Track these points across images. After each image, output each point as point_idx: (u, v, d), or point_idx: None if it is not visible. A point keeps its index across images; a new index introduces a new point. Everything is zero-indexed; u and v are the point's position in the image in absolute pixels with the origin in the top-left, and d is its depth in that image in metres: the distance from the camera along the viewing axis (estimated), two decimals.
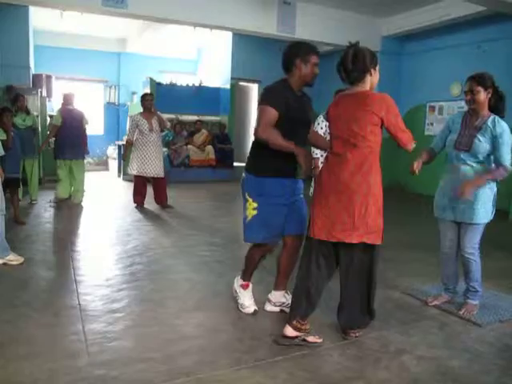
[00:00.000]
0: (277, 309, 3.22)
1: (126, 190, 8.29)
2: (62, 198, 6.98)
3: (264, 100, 2.78)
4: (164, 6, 7.36)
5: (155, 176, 6.82)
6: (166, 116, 10.26)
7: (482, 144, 3.09)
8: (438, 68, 8.81)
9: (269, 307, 3.24)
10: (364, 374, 2.45)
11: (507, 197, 7.17)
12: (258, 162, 2.91)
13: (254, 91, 12.04)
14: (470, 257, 3.22)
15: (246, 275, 3.20)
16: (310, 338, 2.74)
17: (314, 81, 2.89)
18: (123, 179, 10.15)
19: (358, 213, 2.56)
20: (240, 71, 11.38)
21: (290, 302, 3.03)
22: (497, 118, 3.13)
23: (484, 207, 3.14)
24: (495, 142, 3.07)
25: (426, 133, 9.21)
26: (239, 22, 8.14)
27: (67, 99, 6.96)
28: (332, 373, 2.44)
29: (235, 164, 11.18)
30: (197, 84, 11.85)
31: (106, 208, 7.00)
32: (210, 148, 10.68)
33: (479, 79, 3.11)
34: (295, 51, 2.84)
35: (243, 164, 11.97)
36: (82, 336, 2.76)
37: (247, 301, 3.17)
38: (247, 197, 2.94)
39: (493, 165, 3.14)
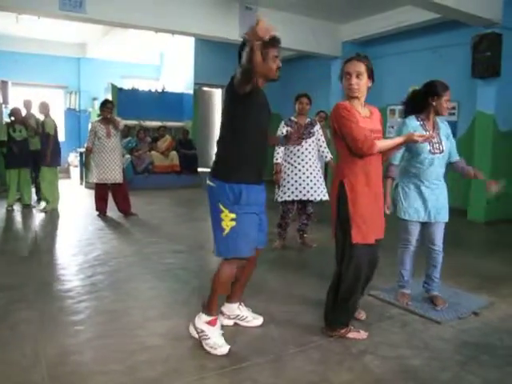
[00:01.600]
0: (231, 322, 3.06)
1: (89, 198, 8.10)
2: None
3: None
4: (124, 10, 7.24)
5: (114, 182, 6.71)
6: (128, 122, 10.20)
7: (448, 143, 3.38)
8: (397, 72, 9.02)
9: (222, 320, 2.98)
10: (327, 377, 2.46)
11: (465, 196, 7.42)
12: (229, 166, 2.65)
13: (217, 96, 12.03)
14: (440, 250, 3.48)
15: (213, 308, 2.75)
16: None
17: (277, 75, 2.67)
18: (85, 187, 9.94)
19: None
20: (203, 76, 11.36)
21: (243, 314, 3.02)
22: (441, 119, 3.48)
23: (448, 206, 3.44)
24: (449, 140, 3.41)
25: (387, 135, 9.42)
26: (201, 27, 8.11)
27: (26, 106, 6.93)
28: (296, 377, 2.45)
29: (199, 169, 11.14)
30: (159, 89, 11.75)
31: (67, 217, 6.84)
32: (173, 154, 10.60)
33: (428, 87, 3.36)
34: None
35: (208, 169, 11.95)
36: (39, 350, 2.67)
37: (219, 339, 2.69)
38: (221, 207, 2.62)
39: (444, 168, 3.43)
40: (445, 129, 3.43)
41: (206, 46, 10.95)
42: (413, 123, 3.33)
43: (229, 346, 2.67)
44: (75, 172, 11.36)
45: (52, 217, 6.80)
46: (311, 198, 4.92)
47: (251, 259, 2.89)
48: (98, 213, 6.86)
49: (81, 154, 10.48)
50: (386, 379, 2.46)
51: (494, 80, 6.96)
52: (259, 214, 2.77)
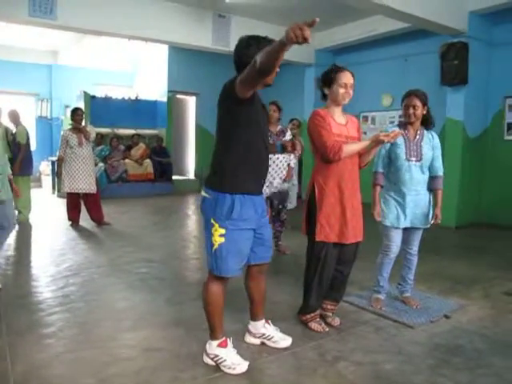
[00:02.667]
0: (257, 341, 2.91)
1: (61, 207, 7.95)
2: None
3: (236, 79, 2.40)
4: (96, 17, 7.17)
5: (86, 192, 6.61)
6: (101, 130, 10.09)
7: (429, 153, 3.42)
8: (369, 80, 9.17)
9: (248, 338, 2.93)
10: None
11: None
12: (226, 177, 2.49)
13: (191, 104, 12.01)
14: (415, 253, 3.60)
15: (218, 330, 2.63)
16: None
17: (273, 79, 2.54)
18: (58, 196, 9.75)
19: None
20: (177, 84, 11.34)
21: (270, 333, 2.89)
22: (431, 131, 3.51)
23: (430, 214, 3.51)
24: (434, 153, 3.45)
25: None
26: (174, 34, 8.10)
27: None
28: None
29: (174, 177, 11.09)
30: (133, 97, 11.66)
31: (38, 227, 6.69)
32: (148, 162, 10.52)
33: (420, 96, 3.36)
34: (254, 51, 2.34)
35: (182, 177, 11.95)
36: (7, 367, 2.59)
37: (235, 358, 2.60)
38: (212, 221, 2.50)
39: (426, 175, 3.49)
40: (431, 140, 3.46)
41: (180, 54, 10.94)
42: (393, 130, 3.41)
43: (247, 362, 2.59)
44: (47, 181, 11.15)
45: (24, 227, 6.64)
46: (286, 206, 5.01)
47: (257, 277, 2.80)
48: (70, 223, 6.74)
49: (52, 162, 10.29)
50: None
51: (461, 87, 7.15)
52: (256, 228, 2.61)
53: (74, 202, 6.71)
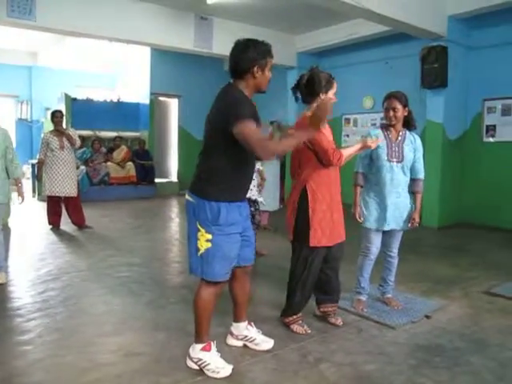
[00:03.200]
0: (240, 343, 2.91)
1: (41, 211, 7.83)
2: None
3: (236, 120, 2.29)
4: (76, 18, 7.08)
5: (67, 195, 6.52)
6: (82, 133, 9.98)
7: (410, 154, 3.43)
8: (351, 82, 9.23)
9: (230, 341, 2.93)
10: None
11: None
12: (212, 184, 2.46)
13: (173, 106, 11.96)
14: (396, 255, 3.63)
15: (203, 334, 2.61)
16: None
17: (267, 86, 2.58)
18: (38, 200, 9.61)
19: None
20: (159, 86, 11.28)
21: (252, 335, 2.88)
22: (413, 133, 3.53)
23: (408, 217, 3.52)
24: (415, 155, 3.47)
25: (343, 144, 9.61)
26: (156, 36, 8.05)
27: None
28: None
29: (156, 180, 11.02)
30: (115, 99, 11.56)
31: (18, 231, 6.56)
32: (130, 165, 10.43)
33: (400, 98, 3.38)
34: (252, 56, 2.42)
35: (165, 180, 11.84)
36: None
37: (219, 362, 2.58)
38: (198, 226, 2.48)
39: (407, 177, 3.51)
40: (413, 141, 3.48)
41: (163, 56, 10.88)
42: (376, 132, 3.45)
43: (231, 366, 2.57)
44: (27, 184, 10.96)
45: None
46: (262, 208, 5.07)
47: (240, 278, 2.78)
48: (50, 226, 6.65)
49: (33, 165, 10.14)
50: None
51: (441, 90, 7.24)
52: (242, 231, 2.60)
53: (54, 206, 6.62)
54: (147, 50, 11.04)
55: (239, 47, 2.47)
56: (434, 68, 7.06)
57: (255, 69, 2.45)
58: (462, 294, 4.09)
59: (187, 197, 2.57)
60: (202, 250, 2.48)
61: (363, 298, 3.64)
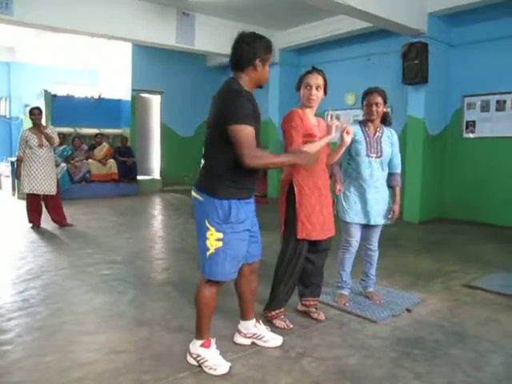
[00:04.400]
0: (248, 341, 2.87)
1: (21, 209, 7.72)
2: None
3: (234, 119, 2.31)
4: (56, 13, 6.98)
5: (46, 193, 6.44)
6: (63, 130, 9.85)
7: (389, 150, 3.48)
8: (333, 79, 9.13)
9: (238, 339, 2.90)
10: (266, 381, 2.46)
11: (401, 199, 7.71)
12: (222, 182, 2.42)
13: (156, 103, 11.87)
14: (376, 249, 3.67)
15: (204, 331, 2.59)
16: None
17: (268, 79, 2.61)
18: (18, 198, 9.45)
19: None
20: (141, 82, 11.18)
21: (261, 332, 2.86)
22: (390, 128, 3.58)
23: (387, 211, 3.56)
24: (393, 150, 3.52)
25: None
26: (138, 32, 7.98)
27: None
28: None
29: (139, 178, 10.95)
30: (96, 96, 11.42)
31: None
32: (112, 162, 10.33)
33: (382, 93, 3.43)
34: (255, 48, 2.43)
35: (147, 177, 11.76)
36: None
37: (218, 359, 2.56)
38: (207, 225, 2.43)
39: (385, 172, 3.55)
40: (390, 137, 3.54)
41: (144, 52, 10.79)
42: (354, 127, 3.47)
43: (229, 364, 2.56)
44: (7, 182, 10.80)
45: None
46: None
47: (249, 275, 2.78)
48: (31, 225, 6.56)
49: (12, 163, 9.98)
50: (323, 380, 2.49)
51: (422, 86, 7.33)
52: (250, 227, 2.60)
53: (34, 204, 6.52)
54: (129, 46, 10.93)
55: (245, 39, 2.46)
56: (415, 64, 7.13)
57: (257, 61, 2.46)
58: (442, 287, 4.15)
59: (195, 194, 2.53)
60: (212, 249, 2.45)
61: (345, 292, 3.67)
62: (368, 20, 6.82)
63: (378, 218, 3.53)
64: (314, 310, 3.36)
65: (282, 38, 9.65)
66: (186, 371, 2.55)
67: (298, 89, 3.15)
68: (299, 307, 3.43)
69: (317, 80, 3.06)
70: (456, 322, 3.35)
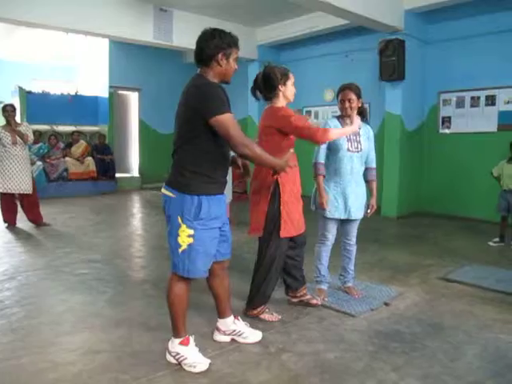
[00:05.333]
0: (227, 338, 2.89)
1: None
2: None
3: (214, 112, 2.33)
4: (30, 8, 6.79)
5: (21, 192, 6.32)
6: (39, 127, 9.67)
7: (367, 144, 3.52)
8: (312, 75, 9.31)
9: (217, 336, 2.91)
10: (246, 378, 2.47)
11: (379, 194, 7.79)
12: (193, 177, 2.43)
13: (134, 99, 11.74)
14: (354, 243, 3.70)
15: (180, 328, 2.59)
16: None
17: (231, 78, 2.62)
18: None
19: None
20: (119, 79, 11.05)
21: (240, 329, 2.88)
22: (366, 124, 3.63)
23: (365, 205, 3.61)
24: (369, 145, 3.57)
25: None
26: (114, 28, 7.85)
27: None
28: (215, 381, 2.43)
29: (117, 175, 10.83)
30: (72, 92, 11.24)
31: None
32: (89, 160, 10.19)
33: (355, 89, 3.45)
34: (217, 43, 2.46)
35: (126, 175, 11.57)
36: None
37: (197, 356, 2.56)
38: (179, 221, 2.44)
39: (364, 166, 3.60)
40: (367, 132, 3.59)
41: (122, 48, 10.65)
42: (334, 122, 3.52)
43: (209, 361, 2.56)
44: None
45: None
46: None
47: (220, 273, 2.78)
48: (6, 224, 6.43)
49: None
50: (302, 375, 2.51)
51: (399, 83, 7.40)
52: (221, 226, 2.61)
53: (8, 203, 6.39)
54: (106, 42, 10.77)
55: (206, 35, 2.50)
56: (392, 61, 7.20)
57: (220, 55, 2.48)
58: (419, 280, 4.21)
59: (165, 191, 2.52)
60: (184, 246, 2.46)
61: (324, 286, 3.70)
62: (346, 17, 6.85)
63: (358, 213, 3.56)
64: (310, 296, 3.51)
65: (261, 35, 9.64)
66: (165, 370, 2.54)
67: (279, 84, 3.16)
68: (293, 299, 3.51)
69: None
70: (433, 314, 3.40)
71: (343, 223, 3.64)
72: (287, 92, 3.18)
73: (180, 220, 2.44)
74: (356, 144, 3.48)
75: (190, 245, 2.45)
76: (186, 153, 2.47)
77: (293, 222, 3.16)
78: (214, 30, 2.52)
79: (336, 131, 3.15)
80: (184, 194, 2.43)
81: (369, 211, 3.61)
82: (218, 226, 2.55)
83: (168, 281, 2.61)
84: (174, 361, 2.60)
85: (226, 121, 2.35)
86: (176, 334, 2.60)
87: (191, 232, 2.44)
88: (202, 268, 2.52)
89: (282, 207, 3.09)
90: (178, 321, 2.57)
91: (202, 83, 2.45)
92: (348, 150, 3.46)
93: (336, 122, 3.52)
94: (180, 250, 2.47)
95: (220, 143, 2.46)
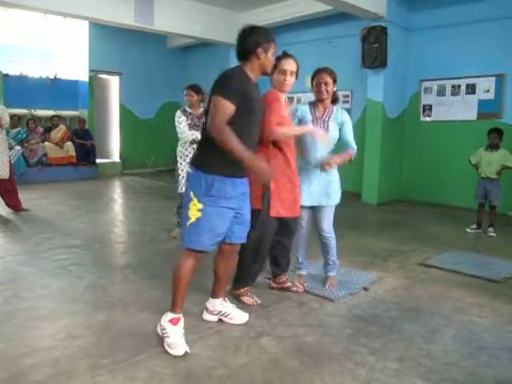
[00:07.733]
0: (215, 318, 2.98)
1: None
2: None
3: (219, 91, 2.48)
4: None
5: None
6: (16, 111, 9.46)
7: (335, 131, 3.46)
8: None
9: (206, 316, 3.00)
10: (225, 361, 2.48)
11: (359, 181, 7.87)
12: (210, 156, 2.56)
13: (114, 84, 11.55)
14: (330, 235, 3.58)
15: (177, 304, 2.64)
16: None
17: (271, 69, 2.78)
18: None
19: None
20: (99, 63, 10.85)
21: (226, 310, 2.95)
22: (340, 108, 3.55)
23: (338, 191, 3.53)
24: (343, 128, 3.49)
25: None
26: (94, 10, 7.68)
27: None
28: (194, 365, 2.44)
29: (98, 161, 10.68)
30: (52, 76, 11.00)
31: None
32: (69, 145, 10.03)
33: (331, 73, 3.42)
34: (256, 38, 2.62)
35: (106, 160, 11.45)
36: None
37: (178, 340, 2.57)
38: (191, 195, 2.57)
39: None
40: (340, 116, 3.48)
41: (102, 31, 10.45)
42: (303, 107, 3.52)
43: (186, 349, 2.54)
44: None
45: None
46: None
47: (226, 254, 2.87)
48: None
49: None
50: (281, 358, 2.54)
51: (381, 70, 7.43)
52: (237, 208, 2.67)
53: None
54: (85, 25, 10.55)
55: (245, 32, 2.66)
56: (374, 48, 7.21)
57: (259, 50, 2.62)
58: (398, 266, 4.28)
59: (188, 168, 2.72)
60: (193, 219, 2.57)
61: (303, 272, 3.72)
62: (328, 3, 6.83)
63: (321, 200, 3.47)
64: (291, 284, 3.54)
65: (244, 20, 9.51)
66: (144, 353, 2.54)
67: (271, 74, 3.09)
68: (273, 285, 3.55)
69: (291, 66, 3.15)
70: (411, 298, 3.46)
71: (314, 212, 3.57)
72: (274, 81, 3.18)
73: (192, 194, 2.58)
74: (323, 129, 3.41)
75: (197, 218, 2.56)
76: (204, 134, 2.64)
77: (283, 202, 3.17)
78: (252, 27, 2.68)
79: (286, 130, 3.16)
80: (199, 170, 2.57)
81: (325, 164, 3.39)
82: (231, 206, 2.63)
83: (179, 256, 2.67)
84: (160, 333, 2.66)
85: (221, 106, 2.45)
86: (172, 309, 2.66)
87: (200, 206, 2.56)
88: (206, 242, 2.59)
89: (272, 186, 3.10)
90: (177, 295, 2.64)
91: (231, 69, 2.65)
92: (312, 136, 3.41)
93: (305, 107, 3.51)
94: (188, 223, 2.59)
95: (241, 127, 2.52)
